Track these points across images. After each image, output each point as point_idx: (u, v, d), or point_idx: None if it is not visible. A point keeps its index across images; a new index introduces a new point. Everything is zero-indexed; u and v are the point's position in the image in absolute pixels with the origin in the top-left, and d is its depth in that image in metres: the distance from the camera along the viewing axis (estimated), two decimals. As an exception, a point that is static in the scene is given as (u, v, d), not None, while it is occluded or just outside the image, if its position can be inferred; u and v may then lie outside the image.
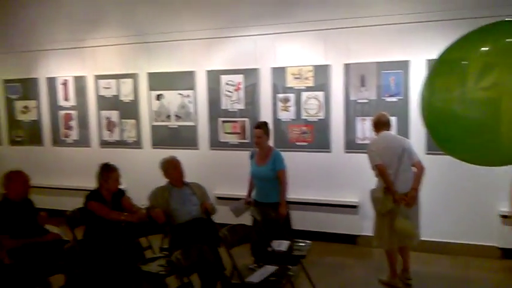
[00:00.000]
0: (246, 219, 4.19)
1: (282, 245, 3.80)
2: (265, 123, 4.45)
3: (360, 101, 5.13)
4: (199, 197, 4.09)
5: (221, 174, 5.75)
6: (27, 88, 6.83)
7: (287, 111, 5.43)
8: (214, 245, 3.59)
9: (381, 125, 4.16)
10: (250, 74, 5.54)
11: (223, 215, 5.00)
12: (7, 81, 6.94)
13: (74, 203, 4.38)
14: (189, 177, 4.29)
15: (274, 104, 5.46)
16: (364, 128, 5.11)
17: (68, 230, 3.99)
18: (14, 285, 2.72)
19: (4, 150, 7.03)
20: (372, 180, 4.12)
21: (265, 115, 5.50)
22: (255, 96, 5.56)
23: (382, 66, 4.99)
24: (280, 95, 5.44)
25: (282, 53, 5.41)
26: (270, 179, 4.29)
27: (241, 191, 5.40)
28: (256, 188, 4.49)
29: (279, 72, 5.41)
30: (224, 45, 5.66)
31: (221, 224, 3.88)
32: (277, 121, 5.47)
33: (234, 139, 5.70)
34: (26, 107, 6.87)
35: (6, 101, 6.98)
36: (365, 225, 4.95)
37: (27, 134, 6.90)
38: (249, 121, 5.60)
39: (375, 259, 4.75)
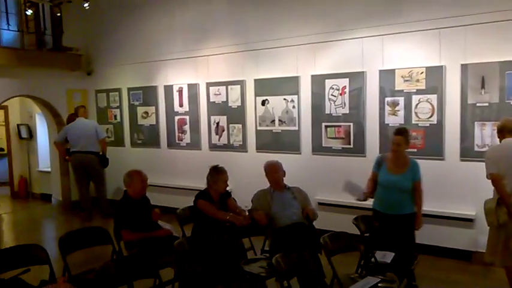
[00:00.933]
0: (348, 227, 4.05)
1: (386, 256, 3.61)
2: (406, 130, 4.06)
3: (479, 104, 4.66)
4: (300, 202, 4.09)
5: (323, 180, 5.67)
6: (147, 95, 7.50)
7: (395, 115, 5.16)
8: (315, 251, 3.54)
9: (505, 131, 3.76)
10: (356, 78, 5.39)
11: (324, 221, 4.93)
12: (131, 89, 7.70)
13: (185, 201, 4.67)
14: (290, 182, 4.31)
15: (381, 108, 5.24)
16: (484, 134, 4.64)
17: (178, 226, 4.27)
18: (130, 275, 2.98)
19: (126, 151, 7.80)
20: (491, 192, 3.73)
21: (371, 120, 5.30)
22: (360, 100, 5.39)
23: (506, 66, 4.48)
24: (389, 99, 5.19)
25: (391, 54, 5.17)
26: (406, 189, 3.97)
27: (343, 198, 5.29)
28: (383, 197, 4.09)
29: (387, 75, 5.18)
30: (329, 49, 5.59)
31: (322, 231, 3.82)
32: (384, 126, 5.23)
33: (337, 144, 5.59)
34: (146, 113, 7.54)
35: (130, 107, 7.74)
36: (482, 240, 4.48)
37: (147, 137, 7.57)
38: (353, 126, 5.45)
39: (494, 278, 4.27)
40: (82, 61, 8.03)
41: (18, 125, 9.48)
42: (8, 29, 7.40)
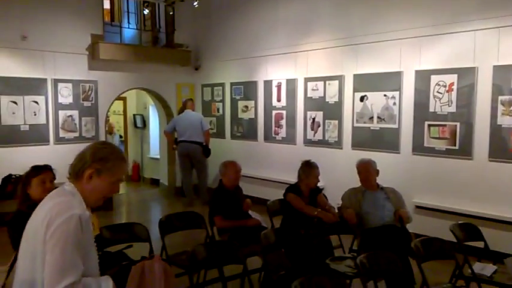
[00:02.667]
0: (447, 234, 3.78)
1: (486, 269, 3.30)
2: None
3: None
4: (394, 203, 3.92)
5: (422, 182, 5.34)
6: (248, 90, 7.75)
7: (510, 115, 4.66)
8: (406, 255, 3.37)
9: None
10: (466, 74, 4.96)
11: (420, 226, 4.67)
12: (233, 83, 8.02)
13: (276, 194, 4.77)
14: (386, 182, 4.16)
15: (494, 108, 4.76)
16: None
17: (267, 217, 4.38)
18: (220, 260, 3.15)
19: (226, 143, 8.16)
20: None
21: (482, 120, 4.85)
22: (470, 98, 4.95)
23: None
24: (503, 97, 4.70)
25: (508, 48, 4.67)
26: None
27: (444, 202, 4.96)
28: None
29: (503, 71, 4.69)
30: (437, 43, 5.23)
31: (417, 235, 3.63)
32: (496, 127, 4.75)
33: (441, 145, 5.22)
34: (246, 107, 7.81)
35: (231, 101, 8.08)
36: None
37: (245, 130, 7.84)
38: (460, 126, 5.03)
39: None
40: (191, 57, 8.56)
41: (134, 115, 10.48)
42: (128, 27, 8.18)
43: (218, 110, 8.38)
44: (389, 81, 5.67)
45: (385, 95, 5.73)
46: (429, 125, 5.30)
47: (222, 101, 8.27)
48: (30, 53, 6.66)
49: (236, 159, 4.49)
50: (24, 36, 6.56)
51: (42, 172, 3.02)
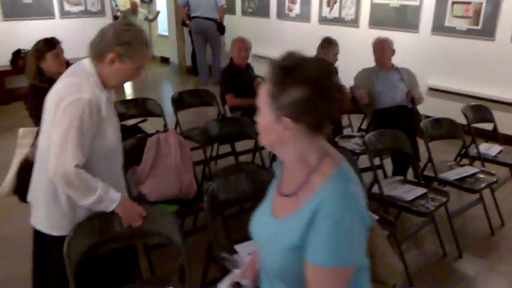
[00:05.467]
0: (458, 116, 3.79)
1: (491, 149, 3.38)
2: None
3: None
4: (407, 84, 3.87)
5: (439, 64, 5.20)
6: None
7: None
8: (414, 134, 3.43)
9: None
10: None
11: (433, 108, 4.68)
12: (244, -47, 7.40)
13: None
14: (402, 62, 4.05)
15: (527, -17, 4.41)
16: None
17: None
18: (232, 135, 3.25)
19: (236, 20, 7.83)
20: None
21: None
22: (501, -28, 4.56)
23: None
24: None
25: None
26: None
27: (459, 84, 4.91)
28: None
29: None
30: None
31: (429, 117, 3.65)
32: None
33: (462, 24, 4.95)
34: (258, -21, 7.31)
35: (243, -28, 7.54)
36: None
37: (257, 5, 7.45)
38: (487, 4, 4.72)
39: None
40: None
41: (140, -12, 9.91)
42: None
43: (228, -17, 7.87)
44: (416, -49, 5.17)
45: (409, -32, 5.29)
46: (453, 3, 4.98)
47: (233, -28, 7.72)
48: None
49: (246, 37, 4.34)
50: None
51: (56, 46, 2.97)
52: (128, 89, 7.49)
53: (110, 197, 1.75)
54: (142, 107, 3.63)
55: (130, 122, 3.51)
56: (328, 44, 4.01)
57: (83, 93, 1.67)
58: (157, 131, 2.86)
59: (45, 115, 1.78)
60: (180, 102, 3.88)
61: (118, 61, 1.74)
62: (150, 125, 3.55)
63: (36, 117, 2.95)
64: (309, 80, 1.06)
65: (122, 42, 1.73)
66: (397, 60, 3.99)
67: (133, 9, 8.08)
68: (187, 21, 7.40)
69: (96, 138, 1.72)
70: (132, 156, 2.56)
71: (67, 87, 1.71)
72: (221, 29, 7.30)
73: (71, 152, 1.64)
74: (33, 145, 1.97)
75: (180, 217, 2.54)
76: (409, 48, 5.21)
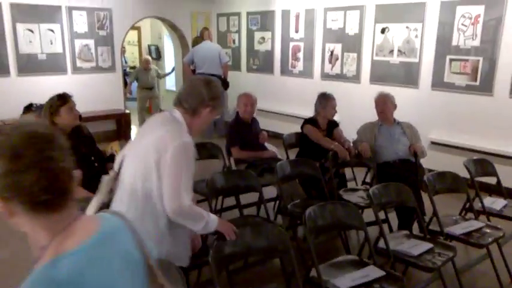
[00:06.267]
0: (461, 170, 3.83)
1: (496, 202, 3.38)
2: None
3: None
4: (409, 138, 3.94)
5: (440, 118, 5.31)
6: (264, 20, 7.53)
7: (537, 51, 4.50)
8: (418, 188, 3.46)
9: None
10: (494, 5, 4.73)
11: (435, 161, 4.72)
12: (250, 13, 7.79)
13: (292, 128, 4.82)
14: (403, 117, 4.16)
15: (521, 43, 4.59)
16: None
17: (283, 150, 4.46)
18: (237, 188, 3.28)
19: (242, 76, 8.10)
20: None
21: (506, 55, 4.71)
22: (496, 32, 4.76)
23: None
24: (531, 32, 4.52)
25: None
26: None
27: (460, 138, 4.98)
28: None
29: (533, 3, 4.46)
30: (466, -29, 4.94)
31: (432, 171, 3.68)
32: (520, 63, 4.62)
33: (461, 80, 5.11)
34: (262, 38, 7.64)
35: (248, 31, 7.89)
36: None
37: (262, 62, 7.73)
38: (483, 61, 4.89)
39: None
40: (206, -16, 8.28)
41: (149, 46, 10.36)
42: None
43: (234, 41, 8.23)
44: (413, 12, 5.45)
45: (407, 27, 5.54)
46: (451, 60, 5.17)
47: (238, 31, 8.08)
48: (43, -22, 6.50)
49: (251, 92, 4.48)
50: (36, -39, 6.36)
51: (69, 100, 3.09)
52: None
53: (212, 219, 2.07)
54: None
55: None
56: (325, 99, 4.14)
57: (185, 138, 1.99)
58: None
59: (135, 159, 2.01)
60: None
61: (210, 112, 2.11)
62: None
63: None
64: (4, 154, 0.95)
65: (213, 97, 2.11)
66: (398, 115, 4.10)
67: (145, 67, 8.38)
68: None
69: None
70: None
71: (170, 132, 1.99)
72: (225, 84, 7.54)
73: (185, 192, 1.95)
74: (111, 191, 2.14)
75: (184, 271, 2.52)
76: (410, 103, 5.34)
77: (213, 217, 2.10)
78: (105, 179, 2.20)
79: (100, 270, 0.99)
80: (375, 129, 3.98)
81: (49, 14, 6.61)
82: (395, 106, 4.05)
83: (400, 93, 4.86)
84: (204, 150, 4.13)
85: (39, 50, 6.59)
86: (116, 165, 2.14)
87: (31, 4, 6.42)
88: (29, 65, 6.53)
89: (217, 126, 7.80)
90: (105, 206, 2.07)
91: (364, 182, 4.25)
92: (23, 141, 0.98)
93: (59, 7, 6.69)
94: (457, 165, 3.92)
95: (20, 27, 6.39)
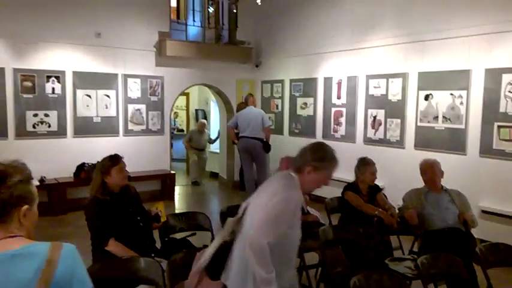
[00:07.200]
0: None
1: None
2: None
3: None
4: (458, 206, 3.79)
5: (490, 186, 5.10)
6: (307, 86, 7.76)
7: None
8: (469, 259, 3.27)
9: None
10: (542, 73, 4.68)
11: (486, 231, 4.49)
12: (293, 80, 8.07)
13: (334, 192, 4.75)
14: (451, 184, 4.03)
15: None
16: None
17: (325, 215, 4.40)
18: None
19: (284, 139, 8.23)
20: None
21: (559, 122, 4.56)
22: (546, 98, 4.67)
23: None
24: None
25: None
26: None
27: (513, 208, 4.72)
28: None
29: None
30: (509, 39, 4.96)
31: (483, 241, 3.50)
32: None
33: (511, 147, 4.95)
34: (304, 103, 7.83)
35: (290, 97, 8.13)
36: None
37: (304, 126, 7.86)
38: (535, 128, 4.75)
39: None
40: (252, 54, 8.71)
41: (196, 110, 10.84)
42: (193, 25, 8.46)
43: (277, 106, 8.47)
44: (457, 79, 5.45)
45: (451, 94, 5.53)
46: (499, 126, 5.05)
47: (281, 97, 8.34)
48: (103, 49, 7.09)
49: (293, 156, 4.53)
50: (98, 34, 7.00)
51: (120, 161, 3.25)
52: (178, 203, 7.75)
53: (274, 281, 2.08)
54: (192, 220, 3.75)
55: (180, 235, 3.59)
56: (364, 164, 4.11)
57: (292, 192, 2.21)
58: (205, 245, 2.92)
59: (255, 209, 2.23)
60: (228, 216, 3.95)
61: (313, 171, 2.27)
62: (197, 238, 3.62)
63: (92, 227, 3.13)
64: None
65: (316, 158, 2.30)
66: (445, 182, 3.99)
67: (201, 130, 8.79)
68: (236, 140, 7.88)
69: (289, 230, 2.19)
70: (180, 271, 2.60)
71: (285, 185, 2.26)
72: (266, 147, 7.69)
73: (268, 231, 2.09)
74: (232, 233, 2.31)
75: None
76: (458, 170, 5.19)
77: (274, 283, 2.09)
78: (229, 220, 2.39)
79: None
80: (421, 196, 3.87)
81: (106, 81, 7.16)
82: (442, 173, 3.95)
83: (446, 160, 4.76)
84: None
85: (94, 114, 7.06)
86: (240, 210, 2.37)
87: (91, 72, 7.00)
88: (84, 127, 6.98)
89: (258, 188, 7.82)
90: (227, 245, 2.27)
91: (411, 251, 4.06)
92: None
93: (116, 75, 7.23)
94: (510, 236, 3.70)
95: (80, 92, 6.93)
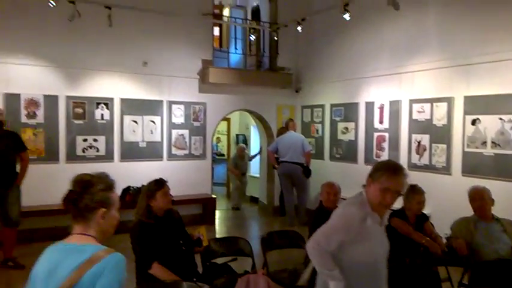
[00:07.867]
0: None
1: None
2: None
3: None
4: (511, 236, 3.60)
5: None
6: (348, 111, 7.71)
7: None
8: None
9: None
10: None
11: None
12: (333, 105, 8.04)
13: (377, 219, 4.65)
14: (501, 213, 3.84)
15: None
16: None
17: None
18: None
19: (325, 165, 8.15)
20: None
21: None
22: None
23: None
24: None
25: None
26: None
27: None
28: None
29: None
30: None
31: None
32: None
33: None
34: (346, 128, 7.76)
35: (331, 122, 8.09)
36: None
37: (345, 152, 7.77)
38: None
39: None
40: (292, 79, 8.79)
41: (236, 135, 10.99)
42: (235, 52, 8.69)
43: (317, 131, 8.44)
44: (506, 103, 5.25)
45: (500, 119, 5.31)
46: (554, 152, 4.79)
47: (322, 122, 8.32)
48: (150, 77, 7.40)
49: (335, 181, 4.49)
50: (145, 62, 7.32)
51: (165, 185, 3.34)
52: (218, 227, 7.80)
53: (337, 276, 2.23)
54: (233, 245, 3.76)
55: (221, 260, 3.61)
56: (411, 192, 3.98)
57: (353, 207, 2.34)
58: (246, 271, 2.92)
59: None
60: (269, 242, 3.96)
61: (372, 184, 2.33)
62: (238, 264, 3.62)
63: (137, 250, 3.20)
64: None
65: (373, 168, 2.39)
66: (496, 210, 3.80)
67: (241, 154, 9.07)
68: (276, 165, 7.89)
69: (353, 244, 2.28)
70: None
71: (345, 202, 2.48)
72: (306, 172, 7.64)
73: (323, 235, 2.30)
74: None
75: None
76: (509, 198, 4.93)
77: (338, 277, 2.24)
78: None
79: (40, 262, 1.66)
80: (471, 225, 3.71)
81: (152, 107, 7.43)
82: (493, 201, 3.78)
83: (496, 187, 4.54)
84: (287, 239, 4.12)
85: (140, 139, 7.32)
86: None
87: (138, 99, 7.30)
88: (131, 152, 7.24)
89: (299, 214, 7.76)
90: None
91: (460, 283, 3.86)
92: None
93: (161, 101, 7.50)
94: None
95: (127, 118, 7.22)
